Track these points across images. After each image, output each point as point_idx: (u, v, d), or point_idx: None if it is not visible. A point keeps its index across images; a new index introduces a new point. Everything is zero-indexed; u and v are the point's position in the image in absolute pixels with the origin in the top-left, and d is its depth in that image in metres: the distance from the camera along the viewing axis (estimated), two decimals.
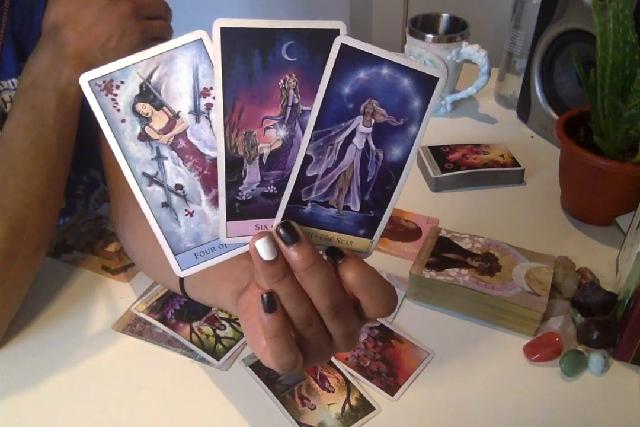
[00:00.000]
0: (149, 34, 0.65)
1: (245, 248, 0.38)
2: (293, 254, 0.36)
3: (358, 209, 0.38)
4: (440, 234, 0.72)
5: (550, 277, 0.66)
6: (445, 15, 1.04)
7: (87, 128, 0.66)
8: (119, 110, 0.36)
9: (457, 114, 1.03)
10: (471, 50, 0.94)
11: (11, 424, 0.57)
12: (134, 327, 0.65)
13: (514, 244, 0.70)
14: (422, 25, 1.02)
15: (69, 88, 0.61)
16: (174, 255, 0.39)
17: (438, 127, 0.99)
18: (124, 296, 0.69)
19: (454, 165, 0.86)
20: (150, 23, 0.65)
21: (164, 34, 0.67)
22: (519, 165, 0.86)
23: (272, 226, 0.37)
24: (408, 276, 0.67)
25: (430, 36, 0.97)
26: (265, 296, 0.38)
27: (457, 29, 1.00)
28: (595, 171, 0.72)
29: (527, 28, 0.94)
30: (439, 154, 0.88)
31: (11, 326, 0.63)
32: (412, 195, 0.84)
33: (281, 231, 0.36)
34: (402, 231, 0.78)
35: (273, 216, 0.37)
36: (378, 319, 0.65)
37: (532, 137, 0.97)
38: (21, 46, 0.68)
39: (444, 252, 0.69)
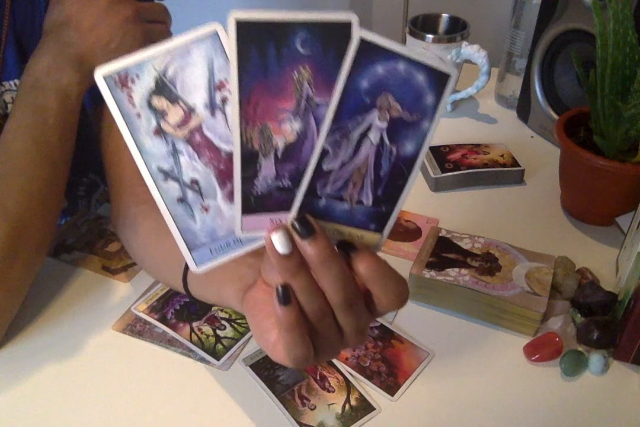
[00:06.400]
0: (149, 37, 0.65)
1: (261, 243, 0.38)
2: (308, 247, 0.36)
3: (370, 203, 0.38)
4: (440, 234, 0.72)
5: (550, 277, 0.66)
6: (445, 15, 1.04)
7: (83, 132, 0.66)
8: (134, 104, 0.35)
9: (457, 114, 1.03)
10: (471, 50, 0.94)
11: (11, 423, 0.57)
12: (134, 327, 0.65)
13: (514, 244, 0.70)
14: (422, 25, 1.02)
15: (70, 88, 0.61)
16: (190, 251, 0.38)
17: (438, 127, 0.99)
18: (124, 296, 0.69)
19: (454, 166, 0.86)
20: (150, 26, 0.65)
21: (163, 39, 0.67)
22: (519, 165, 0.86)
23: (287, 220, 0.37)
24: (408, 276, 0.67)
25: (430, 36, 0.97)
26: (280, 288, 0.37)
27: (457, 29, 1.00)
28: (595, 171, 0.72)
29: (527, 28, 0.94)
30: (439, 154, 0.88)
31: (11, 326, 0.63)
32: (412, 195, 0.83)
33: (297, 224, 0.36)
34: (402, 231, 0.78)
35: (288, 209, 0.37)
36: (378, 319, 0.65)
37: (532, 137, 0.97)
38: (23, 48, 0.68)
39: (444, 252, 0.69)
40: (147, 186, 0.37)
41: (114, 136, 0.69)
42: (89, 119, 0.72)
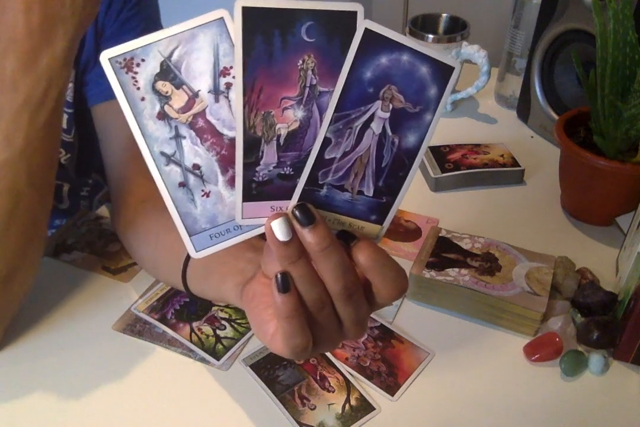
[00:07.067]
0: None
1: (260, 230, 0.38)
2: (308, 235, 0.36)
3: (372, 194, 0.38)
4: (440, 234, 0.72)
5: (550, 277, 0.66)
6: (445, 15, 1.04)
7: (85, 132, 0.66)
8: (138, 88, 0.35)
9: (457, 114, 1.03)
10: (471, 50, 0.94)
11: (12, 424, 0.57)
12: (134, 327, 0.65)
13: (514, 244, 0.70)
14: (422, 25, 1.02)
15: (60, 98, 0.50)
16: (189, 236, 0.38)
17: (438, 127, 0.99)
18: (124, 296, 0.69)
19: (454, 166, 0.86)
20: None
21: None
22: (519, 165, 0.86)
23: (287, 208, 0.38)
24: (408, 276, 0.66)
25: (430, 36, 0.97)
26: (279, 276, 0.38)
27: (457, 29, 1.00)
28: (595, 171, 0.72)
29: (527, 28, 0.94)
30: (439, 154, 0.88)
31: (11, 327, 0.63)
32: (412, 195, 0.83)
33: (297, 212, 0.37)
34: (402, 231, 0.78)
35: (289, 197, 0.37)
36: (378, 319, 0.65)
37: (532, 137, 0.97)
38: None
39: (444, 252, 0.69)
40: (147, 186, 0.37)
41: (115, 135, 0.69)
42: (90, 118, 0.72)
